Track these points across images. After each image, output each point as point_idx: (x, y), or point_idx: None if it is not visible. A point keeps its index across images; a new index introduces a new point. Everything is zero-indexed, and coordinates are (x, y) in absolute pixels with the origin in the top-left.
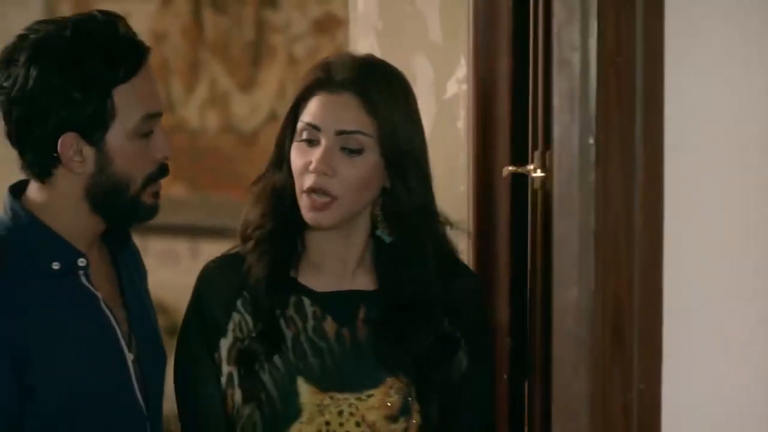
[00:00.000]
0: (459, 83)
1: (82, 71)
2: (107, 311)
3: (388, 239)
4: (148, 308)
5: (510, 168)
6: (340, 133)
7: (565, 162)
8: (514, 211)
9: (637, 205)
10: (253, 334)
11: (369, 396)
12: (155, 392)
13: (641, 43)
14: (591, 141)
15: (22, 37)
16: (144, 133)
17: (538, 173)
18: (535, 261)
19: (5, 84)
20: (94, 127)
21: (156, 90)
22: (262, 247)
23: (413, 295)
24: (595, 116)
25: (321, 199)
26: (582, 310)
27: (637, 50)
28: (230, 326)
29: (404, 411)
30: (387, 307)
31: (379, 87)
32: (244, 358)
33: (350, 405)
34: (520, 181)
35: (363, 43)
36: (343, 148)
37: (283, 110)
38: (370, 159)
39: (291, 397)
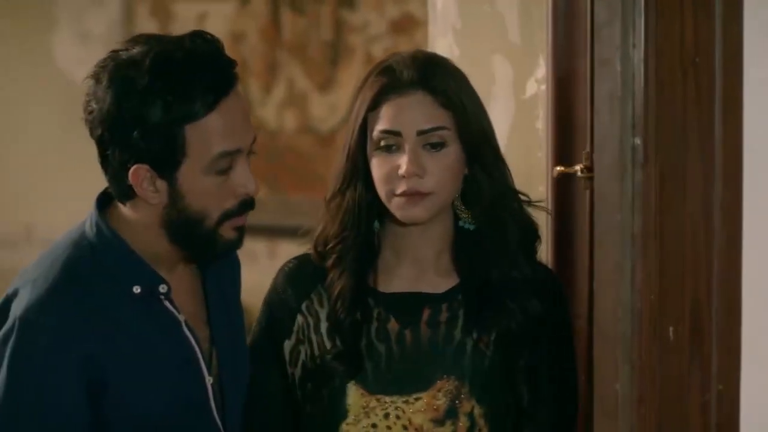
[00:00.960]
0: (538, 83)
1: (154, 106)
2: (188, 334)
3: (471, 227)
4: (235, 322)
5: (559, 168)
6: (421, 133)
7: (606, 162)
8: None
9: (716, 206)
10: (333, 353)
11: (417, 399)
12: (233, 413)
13: (720, 44)
14: (637, 141)
15: (111, 55)
16: (220, 170)
17: (585, 173)
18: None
19: (90, 101)
20: (164, 162)
21: (238, 125)
22: (344, 264)
23: (500, 278)
24: (643, 116)
25: (416, 197)
26: (623, 310)
27: (716, 51)
28: (294, 328)
29: (450, 414)
30: (471, 297)
31: (444, 78)
32: (320, 374)
33: (396, 408)
34: None
35: (441, 42)
36: (425, 146)
37: None
38: (453, 150)
39: (339, 398)
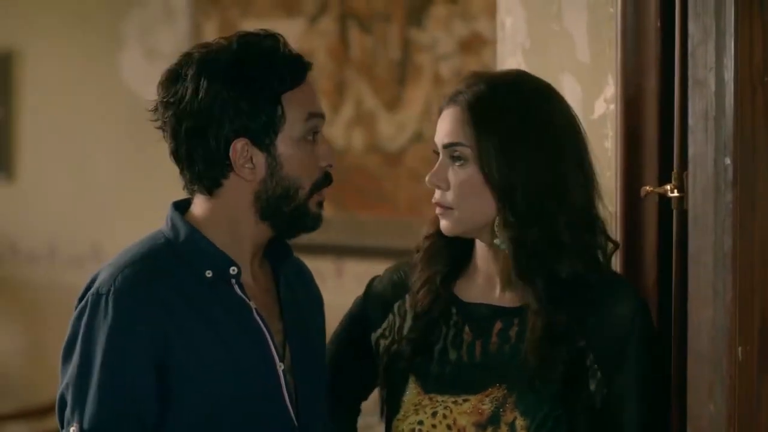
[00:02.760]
0: (607, 103)
1: (251, 80)
2: (259, 320)
3: (503, 247)
4: (310, 325)
5: (647, 188)
6: (446, 146)
7: (700, 182)
8: (662, 231)
9: None
10: (406, 337)
11: (465, 401)
12: (308, 404)
13: None
14: (728, 161)
15: (187, 55)
16: (310, 136)
17: (675, 193)
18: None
19: (172, 99)
20: (264, 133)
21: (318, 99)
22: (424, 262)
23: (541, 312)
24: (732, 136)
25: (441, 209)
26: (717, 329)
27: None
28: (384, 324)
29: (493, 420)
30: (528, 324)
31: (482, 95)
32: (389, 364)
33: (445, 407)
34: (666, 200)
35: (510, 61)
36: (451, 158)
37: (429, 129)
38: (471, 168)
39: (397, 393)
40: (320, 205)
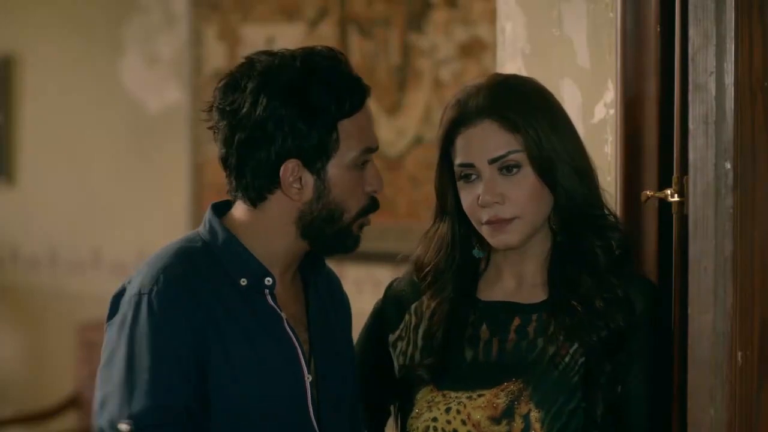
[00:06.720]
0: (606, 108)
1: (310, 103)
2: (289, 331)
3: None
4: (337, 335)
5: (648, 192)
6: (492, 161)
7: (700, 186)
8: (662, 236)
9: None
10: (421, 361)
11: (480, 396)
12: (330, 416)
13: None
14: (728, 166)
15: (248, 65)
16: (361, 165)
17: (675, 198)
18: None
19: (228, 108)
20: (317, 156)
21: (373, 126)
22: (436, 288)
23: (587, 294)
24: (732, 140)
25: (501, 224)
26: (718, 334)
27: None
28: (401, 324)
29: (507, 413)
30: (557, 309)
31: (511, 102)
32: (404, 375)
33: (459, 403)
34: (666, 205)
35: (510, 66)
36: (501, 171)
37: (429, 134)
38: (530, 171)
39: (410, 392)
40: (361, 227)
